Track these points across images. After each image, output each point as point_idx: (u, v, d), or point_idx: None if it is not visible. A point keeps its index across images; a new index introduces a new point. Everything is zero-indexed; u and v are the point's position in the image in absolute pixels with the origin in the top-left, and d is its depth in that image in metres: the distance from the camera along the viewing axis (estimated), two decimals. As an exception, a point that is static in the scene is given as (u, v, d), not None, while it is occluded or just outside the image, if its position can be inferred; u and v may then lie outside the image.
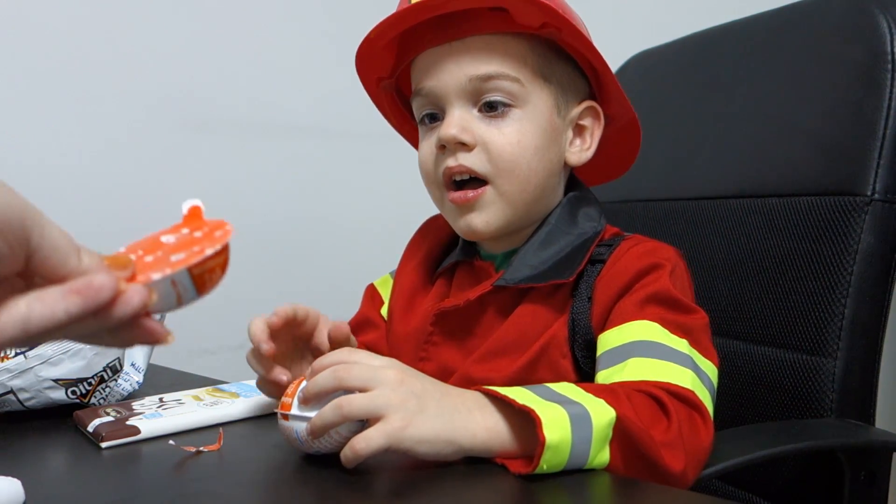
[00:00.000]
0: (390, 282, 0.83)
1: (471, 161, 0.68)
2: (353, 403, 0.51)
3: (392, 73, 0.76)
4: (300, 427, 0.53)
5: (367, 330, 0.81)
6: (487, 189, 0.69)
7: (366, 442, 0.50)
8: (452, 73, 0.68)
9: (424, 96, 0.71)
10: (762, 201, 0.86)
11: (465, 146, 0.68)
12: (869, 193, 0.77)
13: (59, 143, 1.23)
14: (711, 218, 0.92)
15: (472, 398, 0.54)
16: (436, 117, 0.71)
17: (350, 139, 1.49)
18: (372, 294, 0.84)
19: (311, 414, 0.53)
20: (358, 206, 1.51)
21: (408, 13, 0.67)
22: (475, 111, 0.69)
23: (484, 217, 0.70)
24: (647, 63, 1.10)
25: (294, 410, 0.53)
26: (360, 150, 1.50)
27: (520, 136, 0.68)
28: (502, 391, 0.53)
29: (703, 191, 0.95)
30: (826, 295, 0.77)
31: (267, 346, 0.62)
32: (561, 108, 0.71)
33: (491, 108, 0.68)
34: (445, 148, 0.69)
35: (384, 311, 0.81)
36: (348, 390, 0.52)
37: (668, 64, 1.07)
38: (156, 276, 0.37)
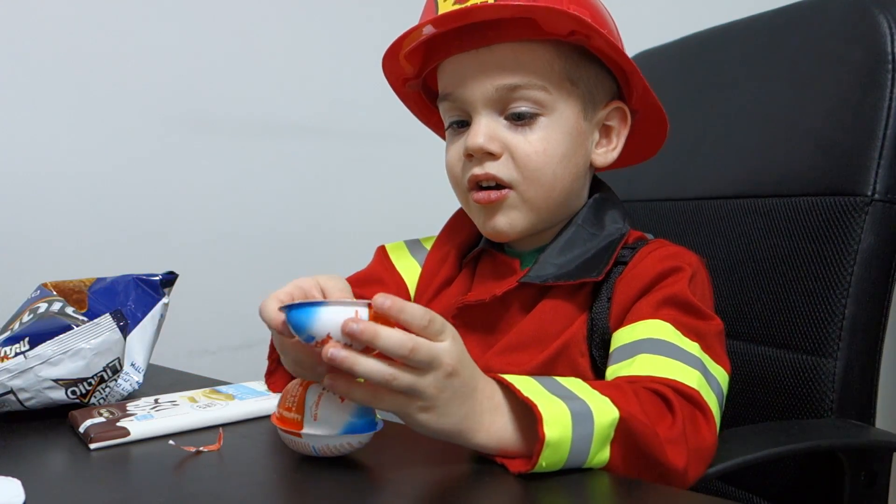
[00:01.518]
0: (406, 251, 0.83)
1: (496, 169, 0.69)
2: (401, 379, 0.49)
3: (418, 74, 0.76)
4: (317, 443, 0.53)
5: (372, 286, 0.78)
6: (511, 193, 0.70)
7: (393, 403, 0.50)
8: (479, 81, 0.68)
9: (451, 102, 0.72)
10: (762, 201, 0.86)
11: (491, 155, 0.69)
12: (869, 193, 0.77)
13: (58, 143, 1.23)
14: (711, 218, 0.92)
15: (489, 396, 0.53)
16: (463, 123, 0.72)
17: (350, 139, 1.50)
18: (383, 257, 0.83)
19: (327, 432, 0.52)
20: (358, 206, 1.51)
21: (433, 24, 0.67)
22: (502, 119, 0.69)
23: (507, 219, 0.71)
24: (647, 63, 1.10)
25: (308, 430, 0.52)
26: (360, 150, 1.50)
27: (546, 145, 0.69)
28: (510, 379, 0.53)
29: (703, 191, 0.95)
30: (826, 295, 0.77)
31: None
32: (588, 111, 0.71)
33: (518, 118, 0.69)
34: (472, 156, 0.70)
35: (410, 282, 0.81)
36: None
37: (669, 64, 1.07)
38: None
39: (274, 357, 0.73)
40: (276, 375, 0.73)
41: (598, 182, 0.79)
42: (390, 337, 0.48)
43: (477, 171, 0.70)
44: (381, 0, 1.43)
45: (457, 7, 0.65)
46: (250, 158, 1.41)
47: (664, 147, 1.04)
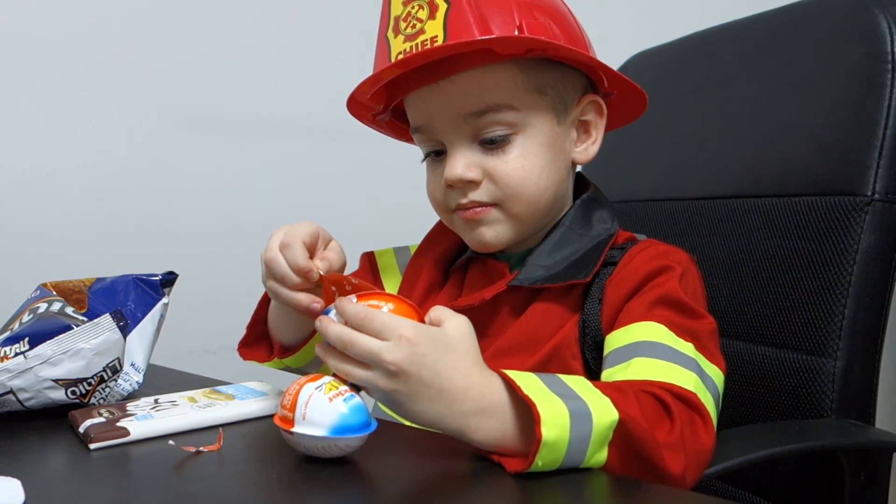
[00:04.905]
0: (393, 258, 0.84)
1: (480, 195, 0.69)
2: (352, 374, 0.53)
3: (385, 108, 0.75)
4: (307, 442, 0.53)
5: None
6: (494, 209, 0.70)
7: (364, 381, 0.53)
8: (446, 113, 0.68)
9: (424, 134, 0.71)
10: (762, 201, 0.86)
11: (472, 182, 0.69)
12: (869, 193, 0.77)
13: (59, 144, 1.23)
14: (711, 218, 0.92)
15: (474, 399, 0.53)
16: (440, 152, 0.71)
17: (350, 139, 1.49)
18: (370, 262, 0.85)
19: (314, 433, 0.52)
20: (358, 205, 1.51)
21: (390, 70, 0.67)
22: (476, 144, 0.69)
23: (494, 232, 0.71)
24: (647, 63, 1.10)
25: (298, 429, 0.53)
26: (360, 150, 1.50)
27: (523, 161, 0.68)
28: (511, 374, 0.53)
29: (703, 191, 0.95)
30: (826, 295, 0.77)
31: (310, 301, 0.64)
32: (561, 114, 0.71)
33: (491, 142, 0.68)
34: (453, 186, 0.69)
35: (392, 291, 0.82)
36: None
37: (668, 64, 1.07)
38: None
39: (255, 329, 0.77)
40: (252, 348, 0.77)
41: (583, 180, 0.78)
42: (332, 332, 0.54)
43: (462, 200, 0.70)
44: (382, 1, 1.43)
45: (408, 45, 0.64)
46: (250, 158, 1.41)
47: (664, 147, 1.05)
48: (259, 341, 0.77)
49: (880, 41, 0.78)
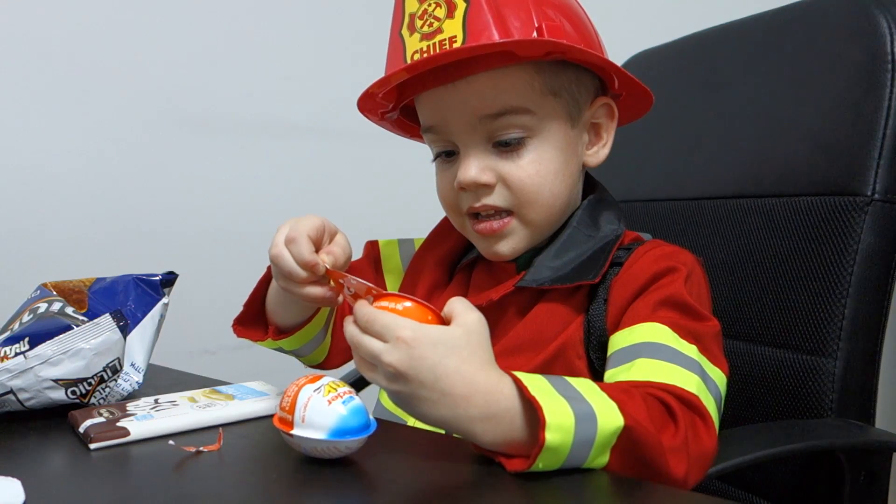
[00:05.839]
0: (396, 250, 0.84)
1: (493, 199, 0.68)
2: (364, 374, 0.55)
3: (396, 106, 0.74)
4: (306, 444, 0.53)
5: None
6: (513, 220, 0.69)
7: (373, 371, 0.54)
8: (461, 114, 0.67)
9: (436, 134, 0.70)
10: (762, 201, 0.86)
11: (485, 186, 0.68)
12: (869, 193, 0.77)
13: (60, 144, 1.23)
14: (711, 218, 0.92)
15: (478, 405, 0.52)
16: (451, 153, 0.71)
17: (350, 139, 1.49)
18: (373, 252, 0.85)
19: (314, 435, 0.52)
20: (358, 205, 1.51)
21: (400, 73, 0.65)
22: (490, 147, 0.68)
23: (511, 244, 0.70)
24: (647, 63, 1.10)
25: (297, 431, 0.53)
26: (360, 150, 1.50)
27: (538, 166, 0.67)
28: (519, 375, 0.53)
29: (703, 191, 0.95)
30: (826, 295, 0.77)
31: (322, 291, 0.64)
32: (574, 117, 0.70)
33: (506, 145, 0.67)
34: (466, 189, 0.69)
35: (393, 281, 0.83)
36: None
37: (668, 64, 1.07)
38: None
39: (252, 309, 0.77)
40: (247, 327, 0.76)
41: (591, 180, 0.78)
42: (346, 331, 0.56)
43: (475, 203, 0.69)
44: (383, 1, 1.43)
45: (425, 44, 0.63)
46: (250, 158, 1.41)
47: (664, 147, 1.05)
48: (255, 321, 0.77)
49: (880, 41, 0.78)
